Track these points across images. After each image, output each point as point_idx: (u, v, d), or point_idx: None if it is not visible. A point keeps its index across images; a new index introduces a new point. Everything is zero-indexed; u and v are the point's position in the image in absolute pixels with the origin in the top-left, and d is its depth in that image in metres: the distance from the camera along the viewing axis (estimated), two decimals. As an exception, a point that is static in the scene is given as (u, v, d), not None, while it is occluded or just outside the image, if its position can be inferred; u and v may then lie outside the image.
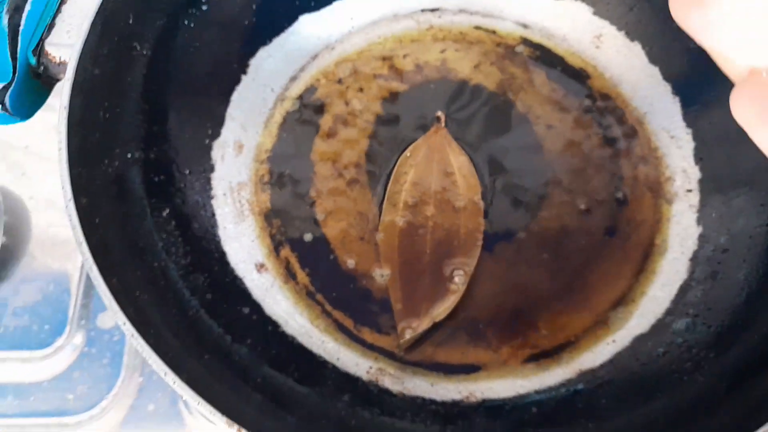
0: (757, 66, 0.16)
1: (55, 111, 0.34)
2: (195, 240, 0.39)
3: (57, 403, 0.40)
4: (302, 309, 0.39)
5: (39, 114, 0.40)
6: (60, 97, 0.34)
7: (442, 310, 0.38)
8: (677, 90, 0.43)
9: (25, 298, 0.42)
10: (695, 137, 0.42)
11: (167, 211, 0.39)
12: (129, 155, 0.38)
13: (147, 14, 0.39)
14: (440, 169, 0.43)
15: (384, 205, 0.42)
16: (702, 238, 0.39)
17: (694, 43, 0.41)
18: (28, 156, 0.47)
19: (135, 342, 0.29)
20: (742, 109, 0.16)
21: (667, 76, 0.44)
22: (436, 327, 0.38)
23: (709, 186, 0.40)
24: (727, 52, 0.17)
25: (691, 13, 0.16)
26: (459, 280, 0.39)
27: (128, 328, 0.30)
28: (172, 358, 0.29)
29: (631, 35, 0.45)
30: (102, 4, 0.36)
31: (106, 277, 0.31)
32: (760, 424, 0.28)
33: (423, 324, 0.38)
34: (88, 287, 0.43)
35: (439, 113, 0.45)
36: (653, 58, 0.44)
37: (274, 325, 0.38)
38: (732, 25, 0.16)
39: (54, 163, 0.32)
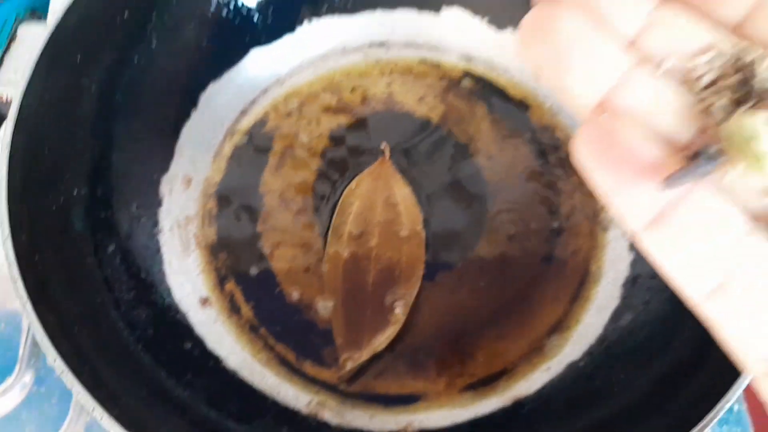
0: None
1: (0, 149, 0.35)
2: (139, 275, 0.40)
3: (5, 444, 0.40)
4: (244, 344, 0.40)
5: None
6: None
7: (382, 340, 0.39)
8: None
9: (-25, 338, 0.43)
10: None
11: (112, 247, 0.39)
12: (75, 191, 0.39)
13: (95, 51, 0.40)
14: (384, 200, 0.44)
15: (329, 237, 0.43)
16: (634, 264, 0.40)
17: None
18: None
19: (65, 379, 0.30)
20: (582, 149, 0.16)
21: (603, 107, 0.45)
22: (377, 357, 0.39)
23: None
24: None
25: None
26: (399, 311, 0.40)
27: (59, 365, 0.30)
28: (104, 394, 0.30)
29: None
30: (49, 41, 0.37)
31: (42, 313, 0.32)
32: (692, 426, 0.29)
33: (364, 355, 0.39)
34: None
35: (384, 145, 0.46)
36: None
37: (216, 360, 0.39)
38: None
39: (1, 199, 0.33)
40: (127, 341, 0.36)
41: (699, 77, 0.16)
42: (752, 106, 0.15)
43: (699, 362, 0.33)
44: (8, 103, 0.40)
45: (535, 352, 0.39)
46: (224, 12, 0.47)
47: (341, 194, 0.44)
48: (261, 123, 0.47)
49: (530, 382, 0.38)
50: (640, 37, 0.17)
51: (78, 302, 0.35)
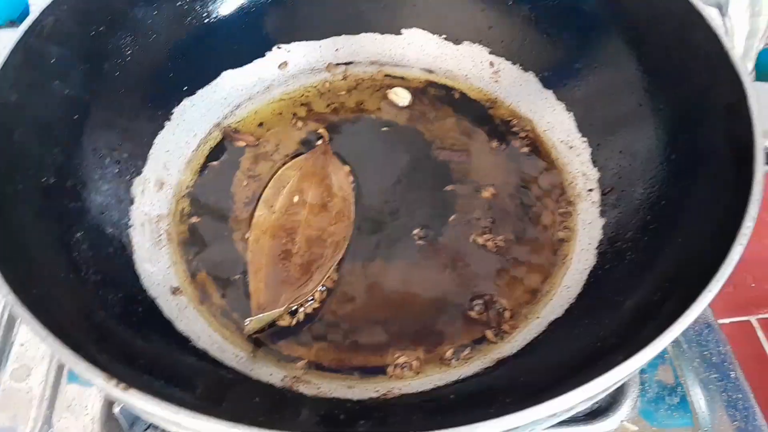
0: None
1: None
2: (108, 262, 0.39)
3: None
4: (216, 327, 0.39)
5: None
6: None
7: (297, 297, 0.38)
8: (570, 107, 0.47)
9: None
10: (590, 144, 0.45)
11: (80, 233, 0.39)
12: (43, 179, 0.39)
13: (70, 56, 0.42)
14: (319, 180, 0.45)
15: (258, 204, 0.43)
16: (606, 227, 0.41)
17: (579, 64, 0.46)
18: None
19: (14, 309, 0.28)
20: None
21: (559, 97, 0.47)
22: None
23: (606, 182, 0.43)
24: None
25: None
26: (318, 277, 0.39)
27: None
28: (61, 331, 0.28)
29: (525, 66, 0.49)
30: (23, 38, 0.38)
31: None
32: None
33: (276, 310, 0.38)
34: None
35: (321, 130, 0.47)
36: (546, 84, 0.48)
37: (185, 340, 0.37)
38: None
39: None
40: (96, 316, 0.34)
41: None
42: None
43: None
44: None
45: (515, 317, 0.38)
46: (198, 37, 0.50)
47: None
48: (233, 132, 0.49)
49: (512, 344, 0.37)
50: None
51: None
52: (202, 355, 0.36)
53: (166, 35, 0.48)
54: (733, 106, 0.34)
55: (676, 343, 0.47)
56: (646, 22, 0.41)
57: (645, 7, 0.41)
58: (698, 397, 0.44)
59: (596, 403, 0.42)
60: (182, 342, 0.37)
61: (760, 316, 0.74)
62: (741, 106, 0.34)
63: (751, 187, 0.31)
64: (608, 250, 0.39)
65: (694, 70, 0.38)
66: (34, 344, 0.42)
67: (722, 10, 0.73)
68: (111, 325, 0.34)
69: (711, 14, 0.68)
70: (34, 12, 0.40)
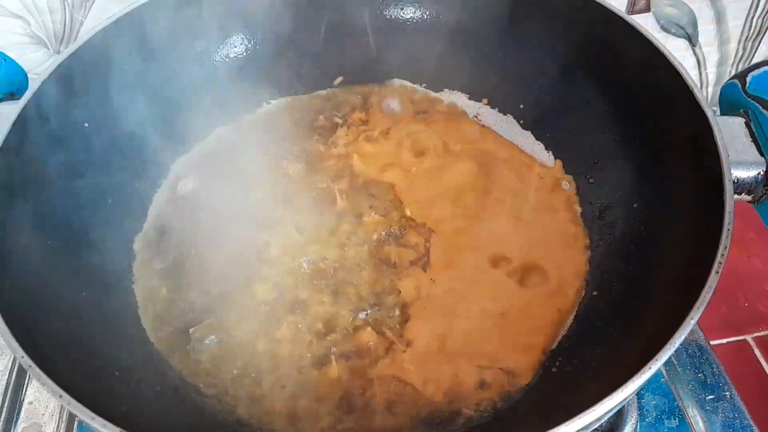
0: None
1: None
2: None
3: None
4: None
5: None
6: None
7: None
8: (548, 146, 0.49)
9: None
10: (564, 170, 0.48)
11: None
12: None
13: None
14: None
15: None
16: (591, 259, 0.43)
17: (553, 106, 0.48)
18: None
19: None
20: None
21: (537, 137, 0.50)
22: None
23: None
24: None
25: None
26: None
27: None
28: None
29: (503, 110, 0.52)
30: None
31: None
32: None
33: None
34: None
35: None
36: (524, 125, 0.51)
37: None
38: None
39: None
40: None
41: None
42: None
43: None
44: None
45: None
46: (192, 99, 0.52)
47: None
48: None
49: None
50: None
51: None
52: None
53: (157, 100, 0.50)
54: (698, 138, 0.36)
55: (671, 366, 0.48)
56: (613, 64, 0.44)
57: (611, 51, 0.44)
58: (697, 419, 0.45)
59: (596, 429, 0.43)
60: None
61: (756, 334, 0.75)
62: (706, 138, 0.36)
63: (723, 217, 0.33)
64: (595, 281, 0.41)
65: (660, 106, 0.40)
66: (43, 402, 0.43)
67: (692, 40, 0.76)
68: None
69: (678, 46, 0.71)
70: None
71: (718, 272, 0.31)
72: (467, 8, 0.52)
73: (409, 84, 0.55)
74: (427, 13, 0.53)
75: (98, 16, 0.58)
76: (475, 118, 0.53)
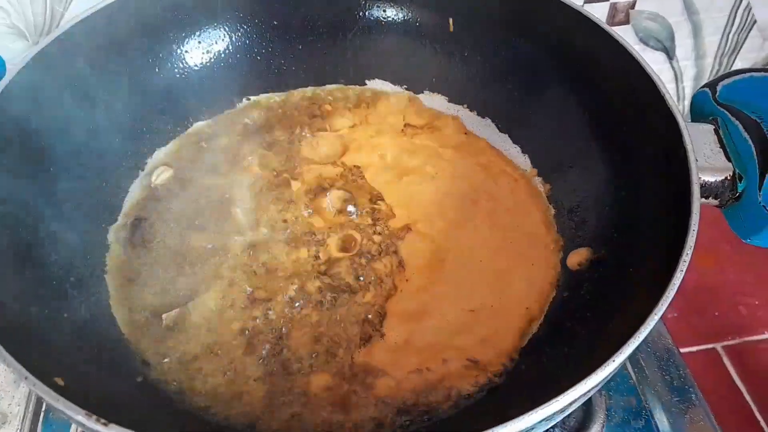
0: None
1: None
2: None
3: None
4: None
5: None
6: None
7: None
8: (524, 149, 0.50)
9: None
10: (544, 181, 0.48)
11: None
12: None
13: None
14: None
15: None
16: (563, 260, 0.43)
17: (529, 110, 0.49)
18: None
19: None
20: None
21: (515, 140, 0.51)
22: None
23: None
24: None
25: None
26: None
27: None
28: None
29: (481, 113, 0.53)
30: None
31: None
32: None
33: None
34: None
35: None
36: (501, 128, 0.52)
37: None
38: None
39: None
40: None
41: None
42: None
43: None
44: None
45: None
46: (172, 92, 0.52)
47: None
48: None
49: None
50: None
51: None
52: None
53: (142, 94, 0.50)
54: (669, 144, 0.37)
55: (639, 368, 0.49)
56: (589, 71, 0.45)
57: (588, 58, 0.45)
58: (662, 421, 0.46)
59: (564, 428, 0.44)
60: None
61: (725, 343, 0.76)
62: (677, 144, 0.37)
63: (690, 219, 0.34)
64: (566, 283, 0.42)
65: (634, 112, 0.41)
66: (10, 391, 0.42)
67: (669, 53, 0.78)
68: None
69: (657, 59, 0.72)
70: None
71: (682, 270, 0.32)
72: (448, 12, 0.52)
73: (389, 85, 0.56)
74: (409, 15, 0.54)
75: (79, 7, 0.58)
76: (453, 121, 0.53)
